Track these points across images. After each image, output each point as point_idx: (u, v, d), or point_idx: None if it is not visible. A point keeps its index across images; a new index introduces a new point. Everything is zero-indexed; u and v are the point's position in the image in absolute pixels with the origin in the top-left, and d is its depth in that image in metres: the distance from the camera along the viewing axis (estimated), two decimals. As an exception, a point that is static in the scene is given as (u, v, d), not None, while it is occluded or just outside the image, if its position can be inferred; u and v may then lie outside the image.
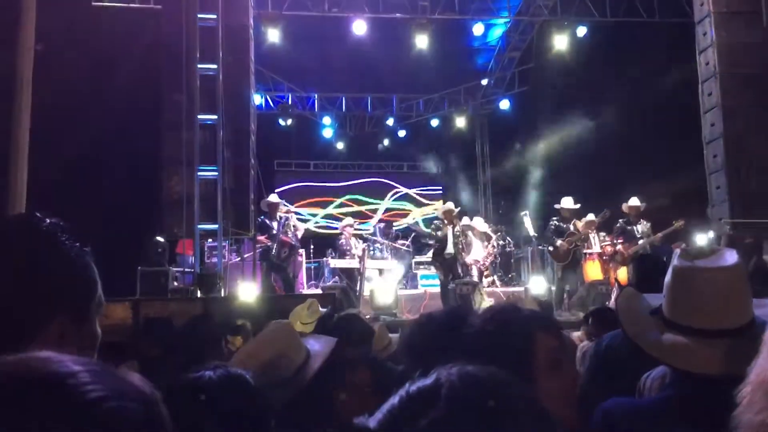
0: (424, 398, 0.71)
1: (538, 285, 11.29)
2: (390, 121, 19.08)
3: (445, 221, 11.32)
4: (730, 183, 10.60)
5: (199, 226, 9.68)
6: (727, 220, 10.58)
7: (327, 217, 18.88)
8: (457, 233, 11.27)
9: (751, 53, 10.84)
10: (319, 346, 2.24)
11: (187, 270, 9.92)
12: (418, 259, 13.27)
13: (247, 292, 9.03)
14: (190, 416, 1.32)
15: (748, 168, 10.61)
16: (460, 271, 11.17)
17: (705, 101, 11.19)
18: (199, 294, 9.04)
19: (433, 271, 12.59)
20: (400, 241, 14.10)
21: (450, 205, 11.72)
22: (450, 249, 11.09)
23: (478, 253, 11.82)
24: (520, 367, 1.18)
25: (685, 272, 1.53)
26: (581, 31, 14.59)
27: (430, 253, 13.63)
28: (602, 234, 11.68)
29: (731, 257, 1.50)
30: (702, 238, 11.04)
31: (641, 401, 1.73)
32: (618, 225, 11.41)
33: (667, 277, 1.57)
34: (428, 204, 19.66)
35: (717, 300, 1.48)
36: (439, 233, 11.42)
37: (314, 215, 18.86)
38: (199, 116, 9.75)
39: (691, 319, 1.49)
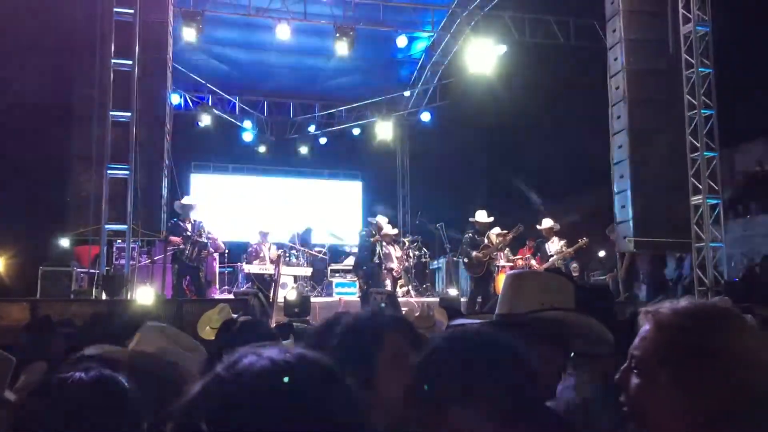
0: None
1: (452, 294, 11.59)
2: (312, 128, 19.01)
3: (375, 233, 11.60)
4: (635, 203, 11.07)
5: (107, 226, 9.34)
6: (631, 238, 11.05)
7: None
8: (378, 243, 11.56)
9: (658, 79, 11.40)
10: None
11: (92, 271, 9.56)
12: (334, 266, 13.25)
13: (153, 295, 8.78)
14: (57, 417, 1.28)
15: (652, 189, 11.12)
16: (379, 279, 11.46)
17: (614, 124, 11.66)
18: (104, 296, 8.72)
19: (348, 279, 12.62)
20: (317, 249, 14.04)
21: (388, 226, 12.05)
22: (377, 259, 11.39)
23: (393, 262, 11.97)
24: (368, 357, 1.43)
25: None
26: (501, 49, 14.98)
27: (347, 261, 13.69)
28: (507, 249, 12.06)
29: None
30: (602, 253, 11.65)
31: None
32: (535, 243, 12.06)
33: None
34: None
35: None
36: (369, 242, 11.68)
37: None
38: (112, 112, 9.43)
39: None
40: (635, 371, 1.23)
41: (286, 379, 0.76)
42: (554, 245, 11.65)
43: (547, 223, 11.73)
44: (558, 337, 1.83)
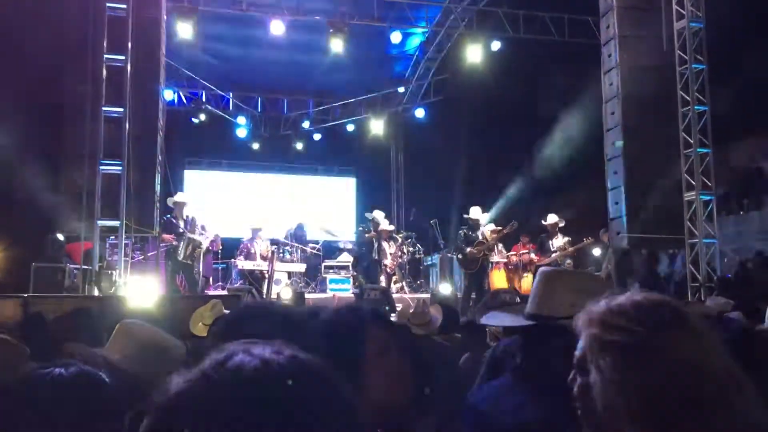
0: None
1: (443, 290, 11.61)
2: (306, 124, 18.97)
3: (371, 229, 11.65)
4: (629, 199, 11.10)
5: (100, 222, 9.30)
6: (624, 235, 11.08)
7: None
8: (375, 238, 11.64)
9: (652, 75, 11.40)
10: None
11: (85, 267, 9.52)
12: (328, 263, 13.23)
13: (146, 291, 8.74)
14: (36, 412, 1.26)
15: (646, 185, 11.14)
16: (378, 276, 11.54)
17: (608, 120, 11.68)
18: (96, 292, 8.68)
19: (342, 275, 12.61)
20: (311, 245, 14.02)
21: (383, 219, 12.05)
22: (375, 255, 11.45)
23: (387, 258, 11.99)
24: (354, 349, 1.49)
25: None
26: (496, 45, 14.98)
27: (341, 257, 13.67)
28: (500, 245, 12.07)
29: None
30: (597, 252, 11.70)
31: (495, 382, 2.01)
32: (539, 239, 12.04)
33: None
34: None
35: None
36: (365, 238, 11.74)
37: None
38: (104, 108, 9.38)
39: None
40: (576, 371, 1.21)
41: (281, 384, 0.73)
42: (558, 241, 11.66)
43: (552, 218, 11.74)
44: None
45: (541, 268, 1.85)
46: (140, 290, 8.86)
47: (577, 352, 1.21)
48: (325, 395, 0.77)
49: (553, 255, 11.50)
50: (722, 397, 1.07)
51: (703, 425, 1.06)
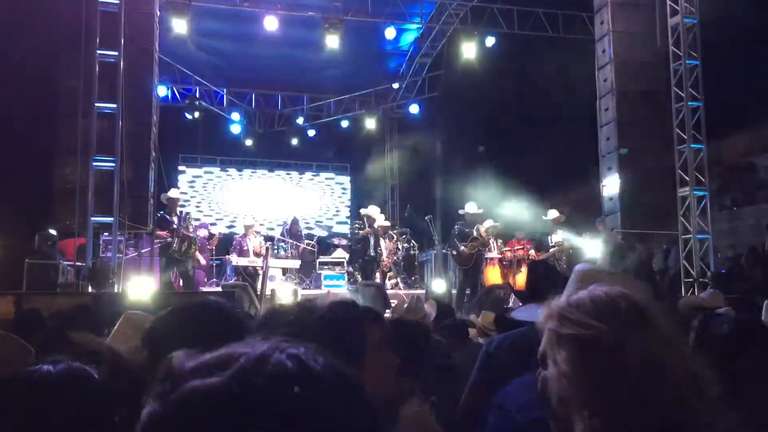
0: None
1: (438, 286, 11.60)
2: (300, 120, 18.94)
3: (367, 226, 11.65)
4: (622, 195, 11.12)
5: (94, 219, 9.26)
6: (619, 230, 11.10)
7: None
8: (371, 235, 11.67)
9: (646, 71, 11.43)
10: None
11: (78, 264, 9.48)
12: (322, 259, 13.22)
13: (142, 287, 8.71)
14: (24, 411, 1.24)
15: (640, 181, 11.17)
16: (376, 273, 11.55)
17: (602, 116, 11.70)
18: (90, 289, 8.66)
19: (336, 271, 12.60)
20: (306, 241, 14.00)
21: (378, 215, 12.03)
22: (371, 251, 11.42)
23: (383, 254, 12.00)
24: (353, 347, 1.47)
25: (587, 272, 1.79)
26: (490, 41, 14.96)
27: (336, 253, 13.67)
28: (500, 240, 12.07)
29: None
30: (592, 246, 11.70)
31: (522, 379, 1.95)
32: (538, 234, 12.07)
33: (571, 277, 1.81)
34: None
35: None
36: (359, 234, 11.72)
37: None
38: (97, 104, 9.34)
39: None
40: (540, 365, 1.21)
41: (321, 392, 0.69)
42: (557, 237, 11.66)
43: (552, 214, 11.75)
44: None
45: (577, 266, 1.79)
46: (134, 286, 8.83)
47: (540, 347, 1.21)
48: (360, 411, 0.73)
49: (551, 250, 11.52)
50: (676, 395, 1.05)
51: (654, 422, 1.05)
